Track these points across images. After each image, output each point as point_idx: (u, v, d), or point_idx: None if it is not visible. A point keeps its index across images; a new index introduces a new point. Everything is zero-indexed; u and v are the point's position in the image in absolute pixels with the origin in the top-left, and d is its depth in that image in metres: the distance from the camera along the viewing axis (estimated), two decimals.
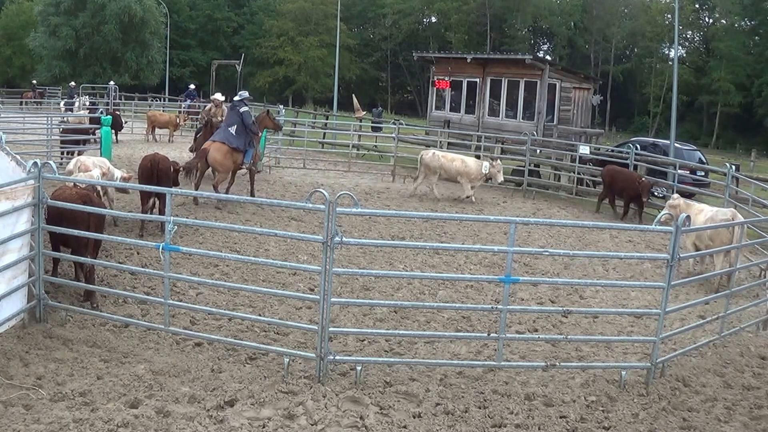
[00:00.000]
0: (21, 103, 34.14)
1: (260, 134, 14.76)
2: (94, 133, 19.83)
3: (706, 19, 61.29)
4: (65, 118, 22.74)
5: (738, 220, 10.01)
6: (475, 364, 6.57)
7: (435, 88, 24.77)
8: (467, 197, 15.96)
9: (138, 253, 9.54)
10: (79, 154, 15.12)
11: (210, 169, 14.11)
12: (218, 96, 17.43)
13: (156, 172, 11.18)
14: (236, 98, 14.35)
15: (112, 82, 36.36)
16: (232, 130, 13.99)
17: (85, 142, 19.00)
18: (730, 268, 8.88)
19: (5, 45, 55.60)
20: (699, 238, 10.23)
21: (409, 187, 18.01)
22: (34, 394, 5.40)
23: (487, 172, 15.71)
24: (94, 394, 5.44)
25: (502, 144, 20.53)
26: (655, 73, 58.32)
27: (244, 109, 14.10)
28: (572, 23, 65.41)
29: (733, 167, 14.68)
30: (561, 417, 5.65)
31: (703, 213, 10.53)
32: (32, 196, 6.55)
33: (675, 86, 21.66)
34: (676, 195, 11.72)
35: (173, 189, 6.96)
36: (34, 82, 35.37)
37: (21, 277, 6.67)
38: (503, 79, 22.67)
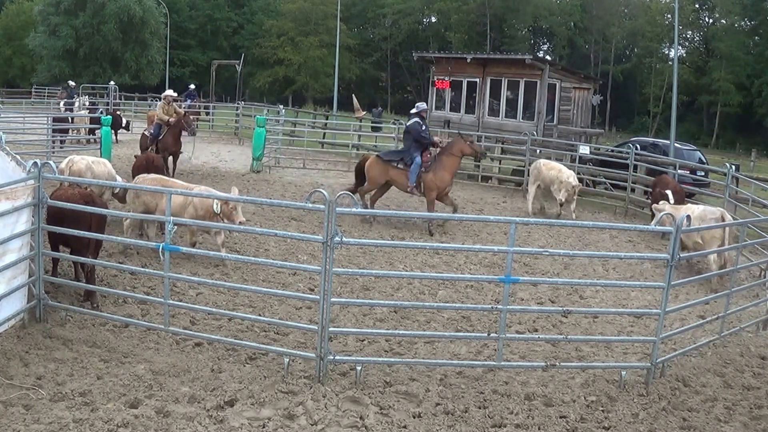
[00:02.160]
0: (58, 103, 34.05)
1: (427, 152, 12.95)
2: (94, 133, 19.88)
3: (706, 19, 61.27)
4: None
5: (727, 219, 10.08)
6: (475, 364, 6.57)
7: (435, 88, 24.74)
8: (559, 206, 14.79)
9: (138, 253, 9.55)
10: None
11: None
12: (170, 92, 17.22)
13: (152, 170, 11.19)
14: (413, 111, 13.10)
15: (112, 82, 36.36)
16: (404, 144, 13.21)
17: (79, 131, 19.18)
18: (725, 265, 8.90)
19: (5, 45, 55.57)
20: (688, 236, 10.22)
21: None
22: (34, 394, 5.39)
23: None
24: (94, 394, 5.44)
25: (502, 144, 20.53)
26: (655, 73, 58.27)
27: (412, 120, 12.92)
28: (572, 23, 65.34)
29: (733, 167, 14.68)
30: (561, 417, 5.65)
31: (691, 212, 10.52)
32: (32, 196, 6.55)
33: (675, 86, 21.64)
34: (662, 201, 11.64)
35: (173, 189, 6.97)
36: (71, 83, 35.28)
37: (21, 277, 6.67)
38: (503, 79, 22.64)
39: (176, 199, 9.43)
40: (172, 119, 16.22)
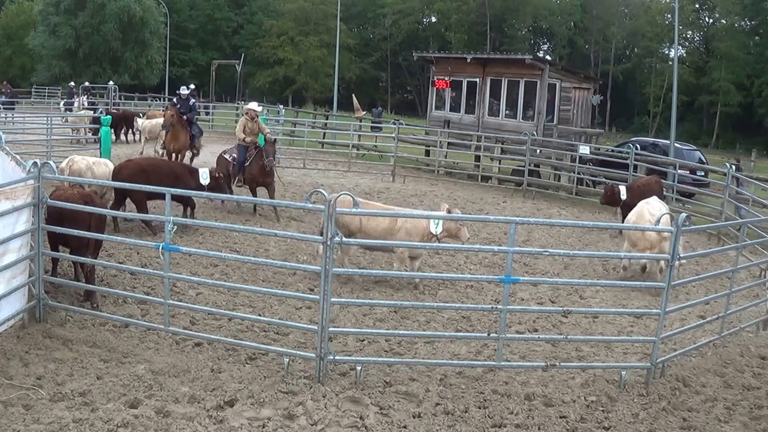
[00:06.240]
0: (58, 103, 33.97)
1: None
2: (95, 133, 19.89)
3: (706, 19, 61.24)
4: (65, 118, 22.87)
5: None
6: (475, 364, 6.57)
7: (435, 88, 24.75)
8: None
9: (138, 253, 9.54)
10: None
11: None
12: (254, 105, 13.88)
13: (152, 177, 11.14)
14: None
15: (111, 82, 36.33)
16: None
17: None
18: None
19: (5, 45, 55.56)
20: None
21: (408, 187, 17.99)
22: (34, 394, 5.39)
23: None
24: (94, 394, 5.44)
25: (502, 144, 20.53)
26: (655, 73, 58.27)
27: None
28: (572, 23, 65.34)
29: (733, 167, 14.68)
30: (561, 417, 5.65)
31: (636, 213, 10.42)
32: (32, 196, 6.54)
33: (675, 86, 21.66)
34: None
35: (172, 189, 6.96)
36: (87, 83, 34.95)
37: (21, 277, 6.66)
38: (503, 79, 22.65)
39: (383, 223, 9.03)
40: (248, 140, 13.01)
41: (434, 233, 8.77)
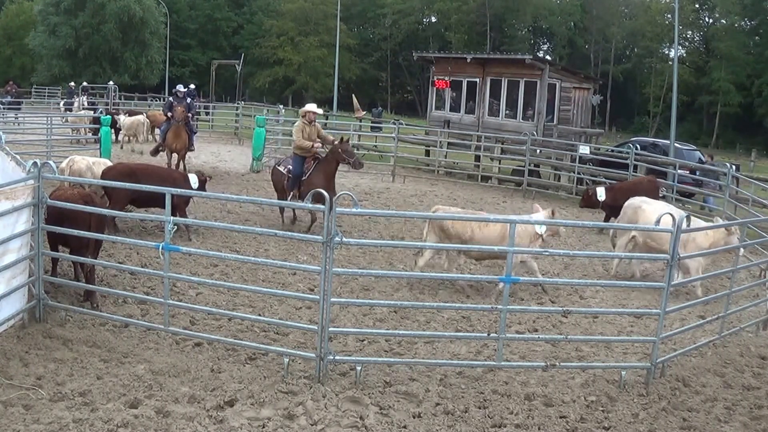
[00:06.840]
0: (58, 103, 33.85)
1: None
2: (95, 133, 19.90)
3: (706, 19, 61.31)
4: (65, 118, 22.89)
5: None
6: (475, 364, 6.57)
7: (435, 88, 24.76)
8: None
9: (138, 253, 9.54)
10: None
11: None
12: (313, 107, 12.27)
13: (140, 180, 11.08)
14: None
15: (111, 82, 36.32)
16: None
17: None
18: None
19: (5, 45, 55.62)
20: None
21: (408, 187, 17.98)
22: (34, 394, 5.39)
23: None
24: (94, 394, 5.44)
25: (502, 144, 20.54)
26: (655, 73, 58.32)
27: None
28: (572, 23, 65.40)
29: (734, 167, 14.69)
30: (561, 417, 5.65)
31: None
32: (32, 196, 6.54)
33: (675, 86, 21.67)
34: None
35: (173, 189, 6.95)
36: (85, 83, 34.49)
37: (20, 277, 6.66)
38: (503, 79, 22.66)
39: (495, 230, 9.04)
40: (317, 146, 11.59)
41: (540, 234, 8.92)
